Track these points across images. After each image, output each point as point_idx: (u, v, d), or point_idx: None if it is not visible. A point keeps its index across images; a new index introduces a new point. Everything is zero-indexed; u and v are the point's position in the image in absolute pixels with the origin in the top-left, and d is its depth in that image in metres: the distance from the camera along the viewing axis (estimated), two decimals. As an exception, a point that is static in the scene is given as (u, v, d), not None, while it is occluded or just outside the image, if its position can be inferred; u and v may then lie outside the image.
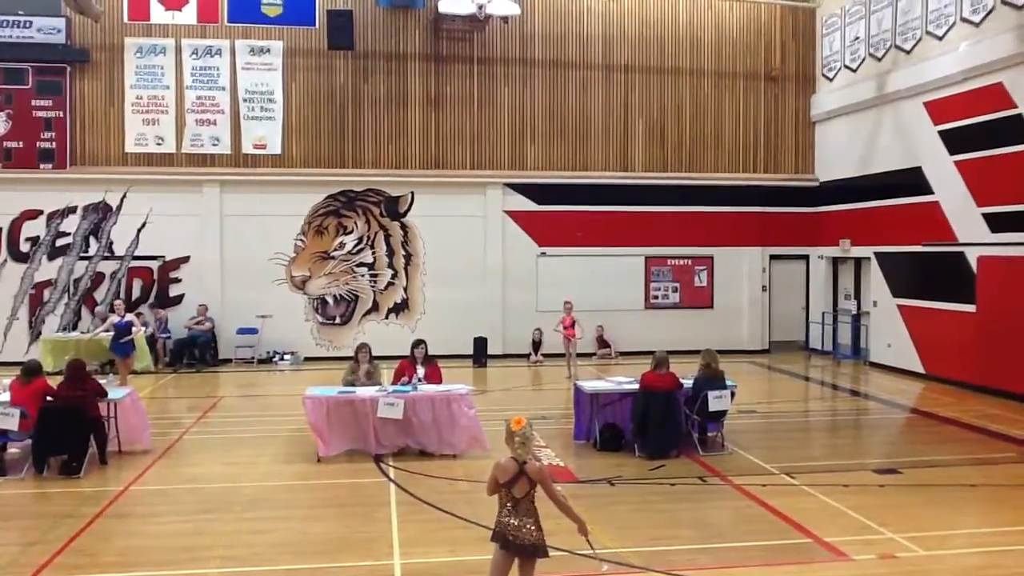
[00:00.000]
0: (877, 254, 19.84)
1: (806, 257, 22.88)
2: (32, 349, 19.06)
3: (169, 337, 19.94)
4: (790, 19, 22.48)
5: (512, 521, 5.76)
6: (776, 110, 22.61)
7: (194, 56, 20.61)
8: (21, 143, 19.92)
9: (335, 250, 20.95)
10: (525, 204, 21.59)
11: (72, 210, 20.19)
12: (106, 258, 20.28)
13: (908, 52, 18.59)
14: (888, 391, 16.85)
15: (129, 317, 16.75)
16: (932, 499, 9.51)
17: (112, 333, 16.53)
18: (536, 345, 20.95)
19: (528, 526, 5.75)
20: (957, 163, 17.12)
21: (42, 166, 19.97)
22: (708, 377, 11.70)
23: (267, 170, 20.79)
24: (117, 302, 17.74)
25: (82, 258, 20.21)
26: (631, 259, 21.98)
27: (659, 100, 22.16)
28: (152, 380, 17.87)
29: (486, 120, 21.58)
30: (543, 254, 21.65)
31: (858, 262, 21.16)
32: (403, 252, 21.23)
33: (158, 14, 20.42)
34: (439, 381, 12.22)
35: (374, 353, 12.76)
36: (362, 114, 21.13)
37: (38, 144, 19.96)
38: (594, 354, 21.02)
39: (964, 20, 16.89)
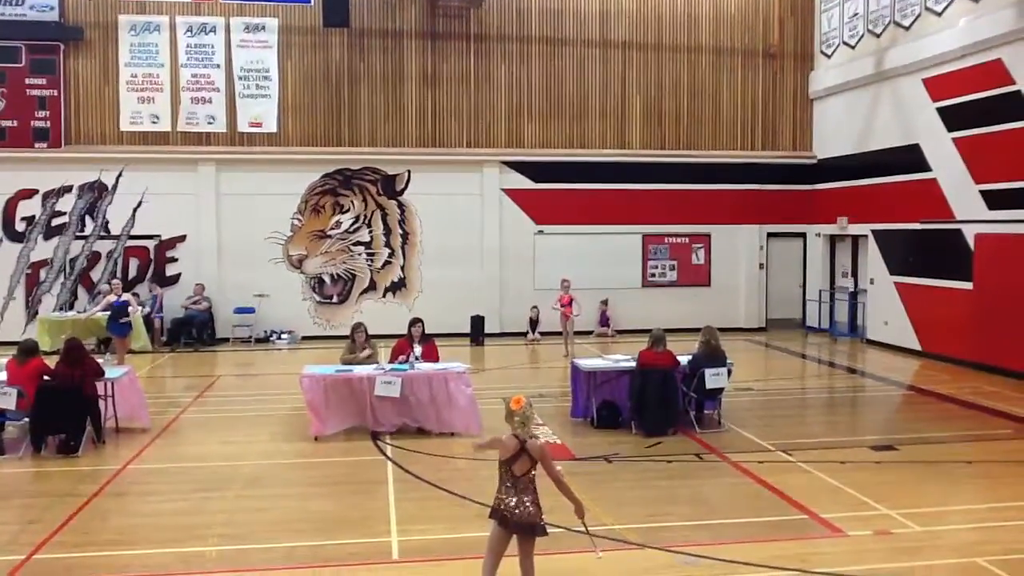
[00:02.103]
0: (874, 232, 19.82)
1: (803, 235, 22.85)
2: (29, 329, 19.06)
3: (161, 317, 19.89)
4: (788, -5, 22.35)
5: (511, 499, 5.77)
6: (774, 87, 22.50)
7: (189, 34, 20.47)
8: (15, 122, 19.81)
9: (332, 229, 20.90)
10: (522, 182, 21.52)
11: (67, 189, 20.11)
12: (102, 237, 20.22)
13: (907, 28, 18.49)
14: (885, 368, 16.88)
15: (126, 297, 16.72)
16: (928, 476, 9.55)
17: (109, 313, 16.49)
18: (533, 323, 20.96)
19: (527, 504, 5.76)
20: (955, 140, 17.07)
21: (37, 145, 19.87)
22: (707, 354, 11.70)
23: (263, 149, 20.70)
24: (115, 281, 17.69)
25: (78, 237, 20.15)
26: (628, 237, 21.95)
27: (656, 77, 22.05)
28: (149, 359, 17.87)
29: (483, 98, 21.47)
30: (540, 232, 21.61)
31: (855, 240, 21.14)
32: (400, 231, 21.18)
33: (152, -9, 20.28)
34: (436, 359, 12.21)
35: (372, 332, 12.76)
36: (358, 92, 21.02)
37: (32, 123, 19.84)
38: (591, 332, 21.05)
39: (963, -4, 16.81)
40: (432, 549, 7.37)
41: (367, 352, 12.26)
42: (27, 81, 19.81)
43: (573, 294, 18.45)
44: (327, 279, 21.00)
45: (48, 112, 19.90)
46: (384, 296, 21.20)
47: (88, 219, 20.18)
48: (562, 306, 18.30)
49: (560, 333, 18.58)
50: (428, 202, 21.10)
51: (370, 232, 21.07)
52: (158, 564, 7.15)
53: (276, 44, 20.72)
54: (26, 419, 10.57)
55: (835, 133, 21.53)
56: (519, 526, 5.78)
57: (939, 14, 17.50)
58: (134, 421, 11.66)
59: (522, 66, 21.57)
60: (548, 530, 5.94)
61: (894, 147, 18.94)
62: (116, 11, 20.22)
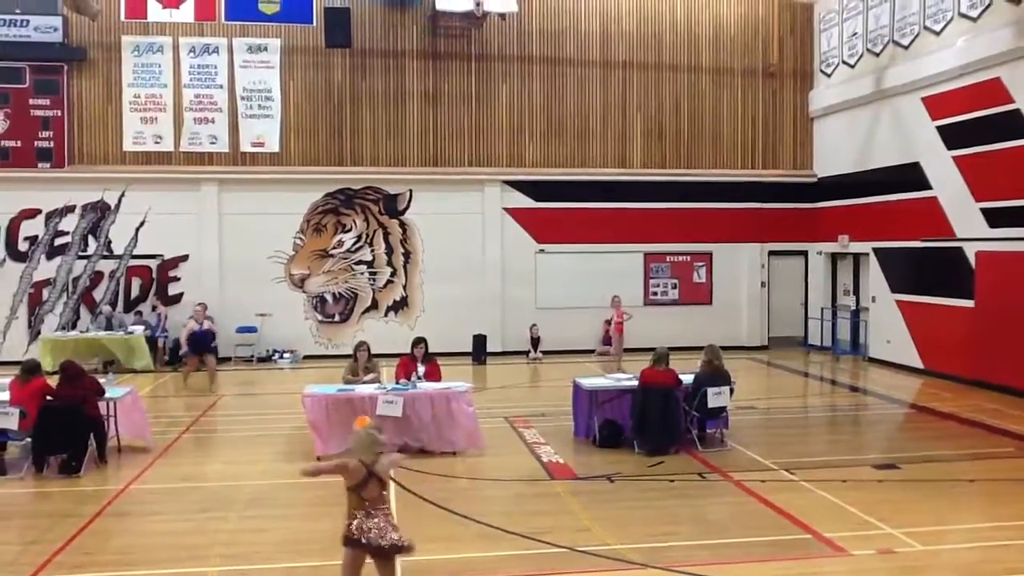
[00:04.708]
0: (876, 250, 19.84)
1: (805, 253, 22.86)
2: (31, 348, 19.05)
3: (165, 336, 19.93)
4: (787, 15, 22.43)
5: (367, 524, 5.85)
6: (774, 106, 22.59)
7: (192, 54, 20.59)
8: (19, 142, 19.91)
9: (334, 248, 20.95)
10: (523, 201, 21.58)
11: (70, 209, 20.17)
12: (105, 257, 20.27)
13: (906, 47, 18.58)
14: (887, 387, 16.85)
15: (208, 324, 17.42)
16: (931, 494, 9.52)
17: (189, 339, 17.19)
18: (535, 342, 20.94)
19: (382, 525, 5.85)
20: (955, 158, 17.11)
21: (40, 165, 19.96)
22: (709, 374, 11.69)
23: (265, 168, 20.78)
24: (197, 307, 17.54)
25: (80, 257, 20.20)
26: (630, 256, 21.96)
27: (657, 96, 22.14)
28: (152, 379, 17.87)
29: (484, 117, 21.56)
30: (542, 251, 21.64)
31: (857, 258, 21.16)
32: (402, 250, 21.23)
33: (155, 12, 20.38)
34: (438, 379, 12.23)
35: (374, 351, 12.78)
36: (360, 112, 21.11)
37: (36, 143, 19.95)
38: (594, 351, 21.04)
39: (962, 15, 16.88)
40: (433, 569, 7.35)
41: (372, 376, 12.29)
42: (31, 101, 19.91)
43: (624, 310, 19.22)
44: (329, 298, 21.02)
45: (51, 132, 20.00)
46: (386, 315, 21.21)
47: (91, 239, 20.24)
48: (616, 323, 18.91)
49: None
50: (430, 221, 21.15)
51: (372, 251, 21.11)
52: (159, 585, 7.15)
53: (278, 64, 20.83)
54: (28, 439, 10.56)
55: (835, 152, 21.59)
56: (379, 549, 5.82)
57: (938, 34, 17.59)
58: (136, 440, 11.66)
59: (523, 85, 21.66)
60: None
61: (894, 165, 18.99)
62: (119, 32, 20.35)
